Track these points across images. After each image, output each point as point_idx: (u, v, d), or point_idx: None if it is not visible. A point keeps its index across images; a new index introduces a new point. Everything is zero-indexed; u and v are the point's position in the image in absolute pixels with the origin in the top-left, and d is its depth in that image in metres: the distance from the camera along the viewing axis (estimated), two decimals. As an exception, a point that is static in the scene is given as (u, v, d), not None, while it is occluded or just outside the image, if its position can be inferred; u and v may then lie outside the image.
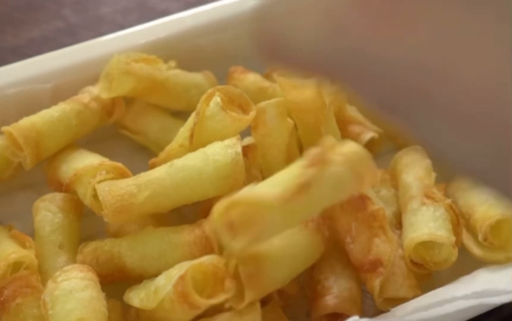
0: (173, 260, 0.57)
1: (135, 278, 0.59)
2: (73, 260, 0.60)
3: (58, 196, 0.64)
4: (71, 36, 0.87)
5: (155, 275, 0.57)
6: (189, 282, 0.52)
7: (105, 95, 0.70)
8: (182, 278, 0.52)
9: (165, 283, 0.54)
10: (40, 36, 0.87)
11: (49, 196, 0.64)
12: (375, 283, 0.58)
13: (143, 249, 0.59)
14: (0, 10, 0.89)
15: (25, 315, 0.56)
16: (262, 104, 0.62)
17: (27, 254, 0.59)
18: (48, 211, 0.63)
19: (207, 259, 0.53)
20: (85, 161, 0.65)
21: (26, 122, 0.67)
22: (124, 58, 0.69)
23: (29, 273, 0.58)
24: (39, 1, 0.91)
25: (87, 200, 0.62)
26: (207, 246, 0.58)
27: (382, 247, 0.59)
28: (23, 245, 0.60)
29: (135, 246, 0.59)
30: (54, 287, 0.55)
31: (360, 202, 0.60)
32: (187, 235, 0.59)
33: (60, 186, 0.66)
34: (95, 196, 0.62)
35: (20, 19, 0.89)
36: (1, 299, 0.56)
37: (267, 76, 0.75)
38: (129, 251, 0.59)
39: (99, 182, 0.61)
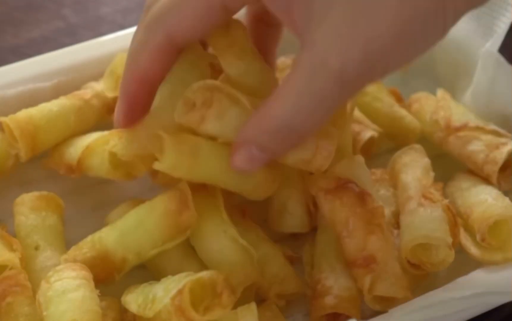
0: (151, 225, 0.58)
1: (120, 266, 0.59)
2: (51, 257, 0.60)
3: (26, 198, 0.64)
4: (71, 36, 0.87)
5: (138, 253, 0.58)
6: (187, 297, 0.52)
7: (110, 94, 0.70)
8: (180, 292, 0.52)
9: (163, 295, 0.54)
10: (40, 36, 0.87)
11: (19, 199, 0.64)
12: (366, 279, 0.58)
13: (121, 225, 0.59)
14: (0, 10, 0.90)
15: (17, 313, 0.56)
16: None
17: (10, 258, 0.59)
18: (22, 215, 0.63)
19: (206, 274, 0.54)
20: (93, 135, 0.66)
21: (24, 114, 0.67)
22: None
23: (17, 272, 0.58)
24: (39, 1, 0.91)
25: (105, 168, 0.62)
26: (182, 199, 0.58)
27: (378, 244, 0.59)
28: (10, 247, 0.60)
29: (114, 225, 0.60)
30: (47, 288, 0.55)
31: (360, 197, 0.60)
32: (161, 197, 0.59)
33: (70, 168, 0.66)
34: (111, 162, 0.62)
35: (20, 19, 0.89)
36: None
37: None
38: (109, 231, 0.60)
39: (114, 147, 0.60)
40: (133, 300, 0.56)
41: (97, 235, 0.60)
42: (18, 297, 0.57)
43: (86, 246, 0.59)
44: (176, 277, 0.55)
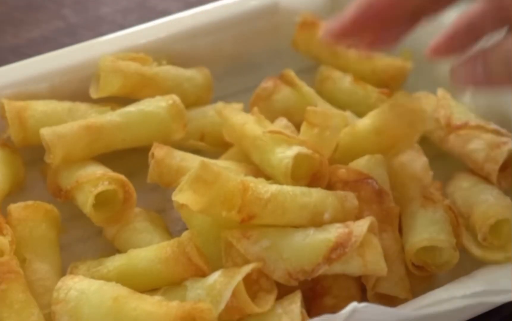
0: (156, 275, 0.58)
1: None
2: (37, 270, 0.60)
3: (13, 209, 0.63)
4: (71, 36, 0.86)
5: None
6: (244, 294, 0.52)
7: (94, 96, 0.69)
8: (234, 294, 0.52)
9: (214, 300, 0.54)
10: (40, 36, 0.86)
11: (8, 210, 0.63)
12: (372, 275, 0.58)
13: (131, 283, 0.58)
14: (0, 10, 0.89)
15: (11, 300, 0.56)
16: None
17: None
18: (11, 227, 0.61)
19: (247, 268, 0.54)
20: (87, 169, 0.65)
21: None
22: (110, 57, 0.69)
23: (9, 258, 0.57)
24: (39, 1, 0.90)
25: (87, 209, 0.62)
26: (198, 271, 0.57)
27: (388, 242, 0.59)
28: (0, 232, 0.60)
29: (121, 270, 0.59)
30: (65, 304, 0.55)
31: (378, 195, 0.60)
32: (174, 265, 0.58)
33: (59, 191, 0.65)
34: (94, 205, 0.62)
35: (20, 19, 0.88)
36: None
37: (282, 77, 0.74)
38: (117, 274, 0.59)
39: (100, 192, 0.61)
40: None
41: (104, 270, 0.59)
42: (13, 284, 0.56)
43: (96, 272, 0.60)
44: (218, 281, 0.54)
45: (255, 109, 0.66)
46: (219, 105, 0.68)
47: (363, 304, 0.51)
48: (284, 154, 0.60)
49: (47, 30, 0.87)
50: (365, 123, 0.66)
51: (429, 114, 0.68)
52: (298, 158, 0.60)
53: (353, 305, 0.51)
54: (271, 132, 0.62)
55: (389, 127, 0.64)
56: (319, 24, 0.78)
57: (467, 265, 0.61)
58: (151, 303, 0.53)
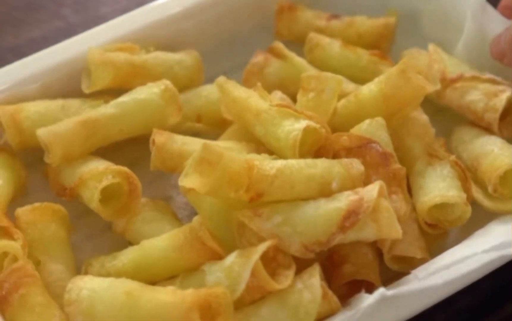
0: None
1: None
2: (53, 271, 0.57)
3: (21, 212, 0.60)
4: (71, 36, 0.83)
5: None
6: (263, 272, 0.50)
7: (87, 91, 0.66)
8: (253, 273, 0.50)
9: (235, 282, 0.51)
10: (40, 36, 0.83)
11: (16, 214, 0.60)
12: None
13: (148, 273, 0.56)
14: (0, 10, 0.86)
15: (31, 304, 0.53)
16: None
17: (12, 245, 0.55)
18: (22, 230, 0.59)
19: (263, 246, 0.51)
20: (89, 165, 0.62)
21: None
22: (97, 50, 0.66)
23: (25, 262, 0.55)
24: (39, 1, 0.87)
25: (94, 204, 0.59)
26: (213, 255, 0.54)
27: (399, 203, 0.56)
28: (11, 237, 0.57)
29: (136, 261, 0.57)
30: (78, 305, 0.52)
31: (383, 158, 0.57)
32: (189, 251, 0.55)
33: (63, 190, 0.62)
34: (101, 200, 0.59)
35: (20, 19, 0.85)
36: (3, 293, 0.53)
37: (271, 50, 0.71)
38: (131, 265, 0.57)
39: (105, 187, 0.59)
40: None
41: (119, 264, 0.57)
42: (31, 288, 0.54)
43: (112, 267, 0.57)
44: (235, 262, 0.52)
45: (259, 84, 0.63)
46: (220, 79, 0.64)
47: (391, 292, 0.48)
48: (293, 127, 0.57)
49: (47, 30, 0.84)
50: (371, 89, 0.62)
51: (437, 74, 0.65)
52: (305, 132, 0.57)
53: (381, 291, 0.48)
54: (278, 105, 0.59)
55: (398, 92, 0.61)
56: (296, 7, 0.75)
57: (479, 219, 0.58)
58: (165, 292, 0.50)
